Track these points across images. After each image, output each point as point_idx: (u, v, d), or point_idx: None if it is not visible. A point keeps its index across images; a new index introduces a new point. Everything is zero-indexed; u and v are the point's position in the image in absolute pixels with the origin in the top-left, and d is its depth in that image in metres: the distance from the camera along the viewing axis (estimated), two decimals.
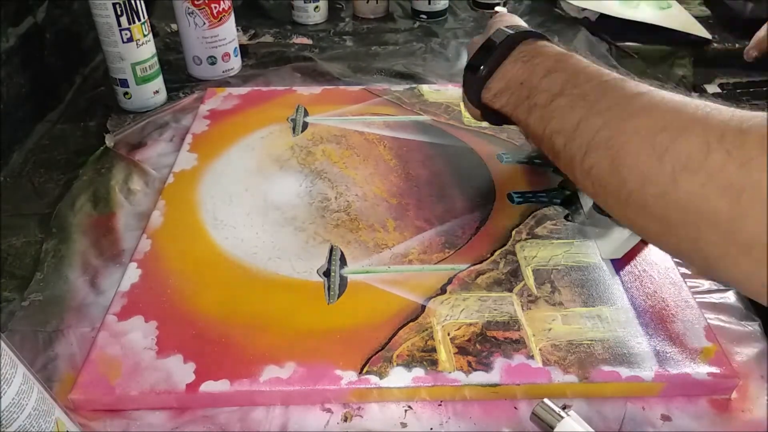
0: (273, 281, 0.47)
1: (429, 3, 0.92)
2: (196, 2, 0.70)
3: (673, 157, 0.32)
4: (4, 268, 0.49)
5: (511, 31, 0.47)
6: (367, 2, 0.93)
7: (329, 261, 0.48)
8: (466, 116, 0.64)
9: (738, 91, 0.79)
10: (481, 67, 0.47)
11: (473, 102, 0.50)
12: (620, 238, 0.47)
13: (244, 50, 0.81)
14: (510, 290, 0.46)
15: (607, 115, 0.36)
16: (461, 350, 0.41)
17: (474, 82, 0.48)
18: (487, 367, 0.40)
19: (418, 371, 0.40)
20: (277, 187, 0.56)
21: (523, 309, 0.44)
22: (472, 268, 0.48)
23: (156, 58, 0.68)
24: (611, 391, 0.40)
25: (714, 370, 0.40)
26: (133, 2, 0.63)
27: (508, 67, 0.46)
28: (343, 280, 0.46)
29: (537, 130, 0.42)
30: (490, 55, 0.47)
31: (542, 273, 0.47)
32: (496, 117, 0.49)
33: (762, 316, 0.45)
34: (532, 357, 0.41)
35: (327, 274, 0.47)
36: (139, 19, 0.64)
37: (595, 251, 0.49)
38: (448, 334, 0.42)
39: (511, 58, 0.46)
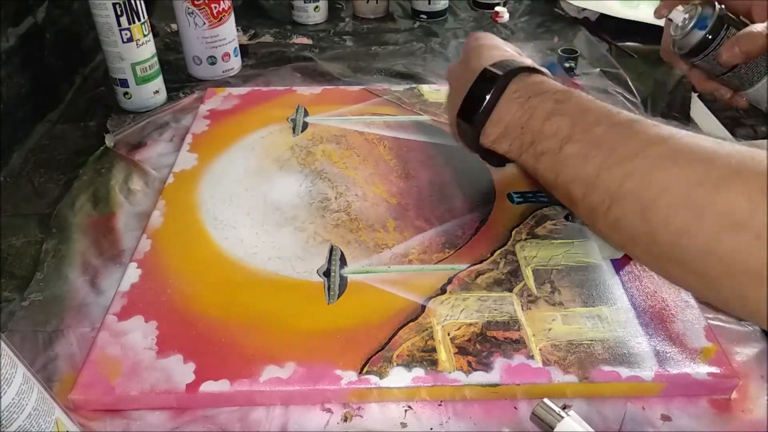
0: (273, 281, 0.47)
1: (429, 3, 0.92)
2: (196, 2, 0.70)
3: (714, 214, 0.30)
4: (4, 268, 0.49)
5: (498, 71, 0.44)
6: (367, 2, 0.93)
7: (329, 261, 0.48)
8: None
9: None
10: (476, 114, 0.44)
11: (471, 148, 0.47)
12: None
13: (244, 50, 0.81)
14: (510, 290, 0.46)
15: (629, 165, 0.34)
16: (461, 350, 0.41)
17: (468, 129, 0.45)
18: (487, 367, 0.40)
19: (418, 371, 0.40)
20: (277, 187, 0.56)
21: (523, 309, 0.44)
22: (472, 268, 0.48)
23: (156, 58, 0.68)
24: (611, 391, 0.40)
25: (714, 370, 0.40)
26: (133, 2, 0.63)
27: (503, 108, 0.43)
28: (343, 280, 0.46)
29: (548, 177, 0.40)
30: (482, 101, 0.43)
31: (542, 273, 0.47)
32: (498, 159, 0.46)
33: None
34: (532, 357, 0.41)
35: (327, 274, 0.47)
36: (139, 19, 0.64)
37: (595, 251, 0.49)
38: (448, 334, 0.42)
39: (504, 98, 0.43)
